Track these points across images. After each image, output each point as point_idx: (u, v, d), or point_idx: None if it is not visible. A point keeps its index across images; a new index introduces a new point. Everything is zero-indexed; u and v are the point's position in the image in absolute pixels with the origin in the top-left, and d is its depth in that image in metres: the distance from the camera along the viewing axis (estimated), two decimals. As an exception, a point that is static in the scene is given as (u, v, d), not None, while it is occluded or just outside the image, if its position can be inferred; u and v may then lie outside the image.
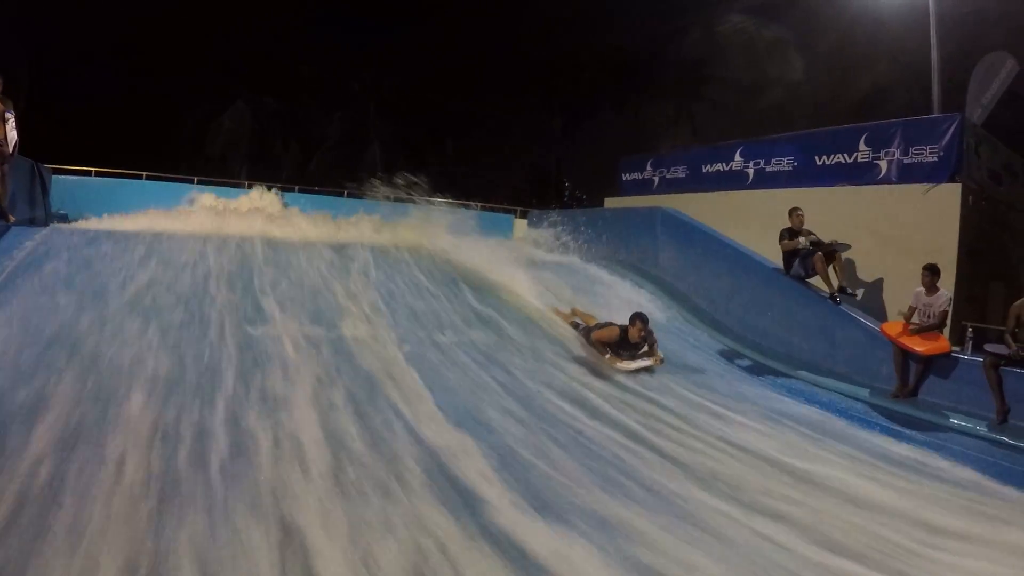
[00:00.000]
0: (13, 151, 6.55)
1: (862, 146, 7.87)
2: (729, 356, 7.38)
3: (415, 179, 9.56)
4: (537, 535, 2.82)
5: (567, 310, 7.13)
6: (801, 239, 7.23)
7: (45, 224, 7.45)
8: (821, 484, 3.92)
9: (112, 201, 9.88)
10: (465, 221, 9.61)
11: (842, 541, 3.17)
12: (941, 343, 5.87)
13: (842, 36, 14.92)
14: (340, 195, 13.34)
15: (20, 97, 7.26)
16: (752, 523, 3.30)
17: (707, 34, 18.78)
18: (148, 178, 12.50)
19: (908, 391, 5.97)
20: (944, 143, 7.05)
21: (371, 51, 20.02)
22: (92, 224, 7.70)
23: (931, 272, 5.95)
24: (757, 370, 6.94)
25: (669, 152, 12.26)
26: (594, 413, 4.78)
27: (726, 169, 9.94)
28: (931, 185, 7.00)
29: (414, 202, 9.57)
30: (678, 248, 9.41)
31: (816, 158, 8.46)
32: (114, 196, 10.74)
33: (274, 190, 12.78)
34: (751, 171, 9.50)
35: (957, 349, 5.94)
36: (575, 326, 6.61)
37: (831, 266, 7.00)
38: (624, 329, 5.93)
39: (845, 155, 8.07)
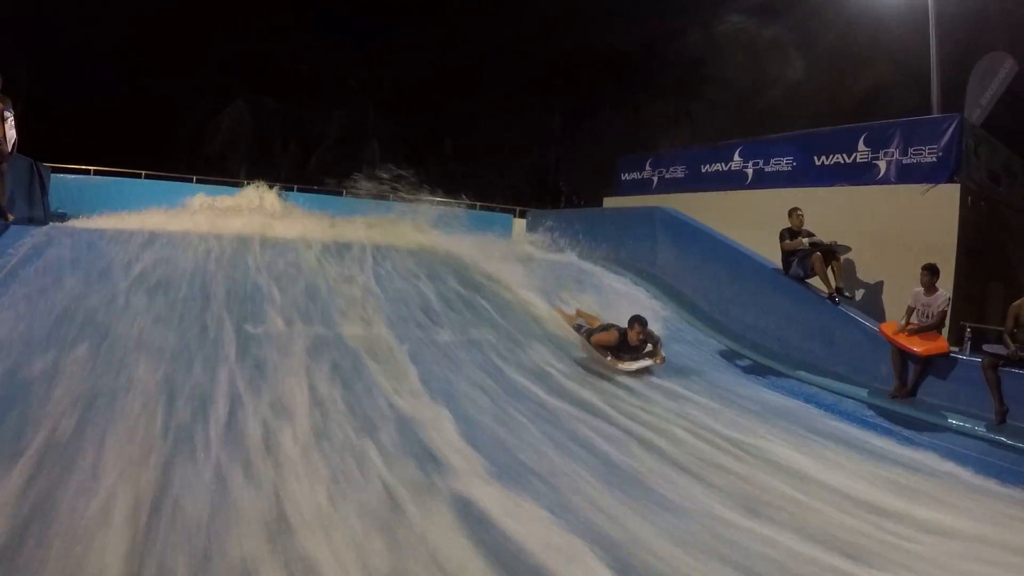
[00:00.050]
0: (12, 149, 6.55)
1: (861, 146, 7.87)
2: (728, 356, 7.39)
3: (402, 173, 9.64)
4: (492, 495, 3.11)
5: (571, 311, 7.14)
6: (804, 240, 7.23)
7: (44, 223, 7.44)
8: (818, 482, 3.92)
9: (111, 200, 9.87)
10: (459, 219, 9.68)
11: (838, 539, 3.17)
12: (940, 343, 5.87)
13: (841, 36, 14.94)
14: (339, 194, 13.33)
15: (19, 95, 7.26)
16: (745, 519, 3.31)
17: (706, 34, 18.82)
18: (147, 177, 12.49)
19: (906, 391, 5.97)
20: (943, 143, 7.05)
21: (371, 51, 20.01)
22: (91, 223, 7.70)
23: (930, 272, 5.95)
24: (755, 370, 6.95)
25: (668, 152, 12.26)
26: (594, 409, 4.86)
27: (725, 169, 9.94)
28: (930, 185, 7.00)
29: (409, 201, 9.64)
30: (677, 248, 9.41)
31: (815, 158, 8.46)
32: (113, 195, 10.71)
33: (270, 187, 12.73)
34: (750, 171, 9.50)
35: (956, 349, 5.94)
36: (578, 328, 6.62)
37: (830, 267, 7.01)
38: (623, 332, 5.93)
39: (844, 155, 8.07)
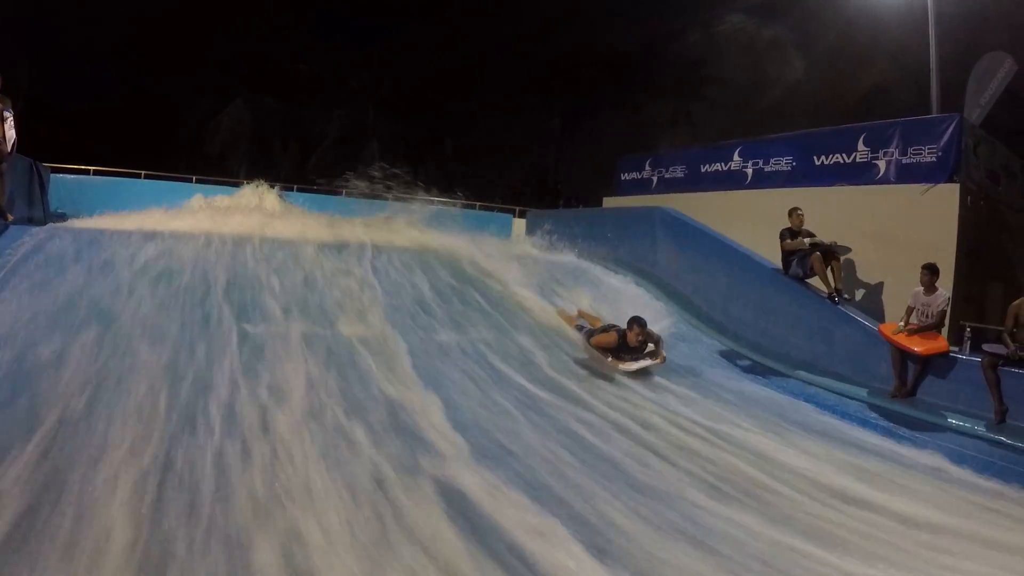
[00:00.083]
0: (11, 149, 6.55)
1: (860, 146, 7.86)
2: (727, 355, 7.39)
3: (401, 172, 9.68)
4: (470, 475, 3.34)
5: (574, 312, 7.15)
6: (806, 240, 7.23)
7: (43, 223, 7.44)
8: (817, 482, 3.93)
9: (110, 200, 9.87)
10: (459, 219, 9.75)
11: (837, 538, 3.18)
12: (939, 343, 5.87)
13: (841, 36, 14.93)
14: (338, 194, 13.33)
15: (19, 95, 7.25)
16: (743, 517, 3.34)
17: (706, 34, 18.82)
18: (147, 177, 12.49)
19: (906, 391, 5.97)
20: (943, 143, 7.04)
21: (370, 51, 20.00)
22: (91, 223, 7.69)
23: (930, 272, 5.95)
24: (755, 369, 6.95)
25: (668, 152, 12.26)
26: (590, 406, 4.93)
27: (725, 169, 9.94)
28: (929, 185, 6.99)
29: (408, 201, 9.67)
30: (677, 248, 9.41)
31: (815, 158, 8.46)
32: (112, 195, 10.71)
33: (271, 187, 12.75)
34: (750, 171, 9.50)
35: (955, 349, 5.94)
36: (579, 328, 6.63)
37: (829, 267, 7.01)
38: (622, 334, 5.94)
39: (843, 155, 8.06)
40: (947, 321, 6.12)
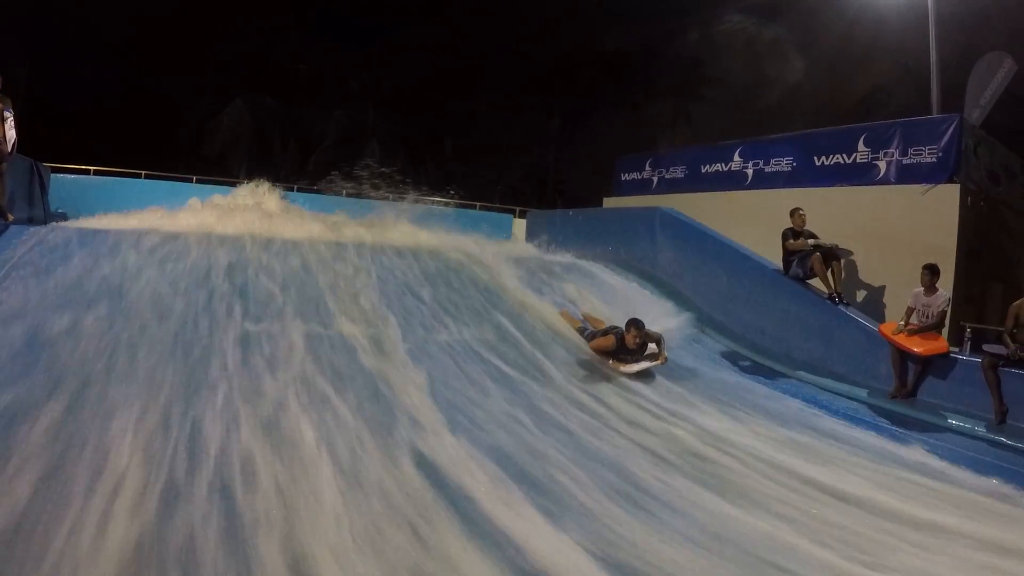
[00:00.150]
0: (12, 149, 6.55)
1: (861, 147, 7.87)
2: (727, 356, 7.39)
3: (402, 172, 9.71)
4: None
5: (578, 315, 7.15)
6: (809, 240, 7.23)
7: (44, 223, 7.44)
8: (816, 483, 3.93)
9: (110, 200, 9.86)
10: (459, 219, 9.83)
11: (837, 539, 3.18)
12: (939, 343, 5.87)
13: (841, 36, 14.94)
14: (339, 194, 13.32)
15: (19, 95, 7.25)
16: (746, 516, 3.35)
17: (706, 34, 18.83)
18: (147, 177, 12.48)
19: (906, 391, 5.97)
20: (943, 144, 7.05)
21: (370, 51, 20.01)
22: (91, 223, 7.70)
23: (931, 272, 5.95)
24: (755, 370, 6.95)
25: (668, 152, 12.26)
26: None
27: (725, 169, 9.94)
28: (930, 186, 7.00)
29: (407, 201, 9.70)
30: (677, 248, 9.41)
31: (815, 158, 8.46)
32: (112, 195, 10.71)
33: (269, 186, 12.73)
34: (750, 171, 9.50)
35: (955, 349, 5.94)
36: (582, 331, 6.63)
37: (830, 268, 7.01)
38: (620, 337, 5.93)
39: (844, 155, 8.07)
40: (947, 321, 6.13)
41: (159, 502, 2.75)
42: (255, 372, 4.25)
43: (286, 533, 2.68)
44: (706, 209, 9.55)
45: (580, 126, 21.19)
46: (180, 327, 4.65)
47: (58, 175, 10.61)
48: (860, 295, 7.41)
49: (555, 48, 20.14)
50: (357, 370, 4.63)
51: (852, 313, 6.83)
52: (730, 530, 3.18)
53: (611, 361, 5.94)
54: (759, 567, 2.86)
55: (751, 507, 3.49)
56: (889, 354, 6.09)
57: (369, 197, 11.98)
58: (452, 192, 13.40)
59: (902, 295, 6.38)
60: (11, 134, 6.45)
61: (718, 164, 10.07)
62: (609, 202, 12.60)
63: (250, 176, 12.86)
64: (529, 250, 10.83)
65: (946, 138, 7.03)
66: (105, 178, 11.80)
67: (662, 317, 7.72)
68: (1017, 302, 5.40)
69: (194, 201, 10.78)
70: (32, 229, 6.29)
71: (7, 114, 6.37)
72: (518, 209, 14.62)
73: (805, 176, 8.56)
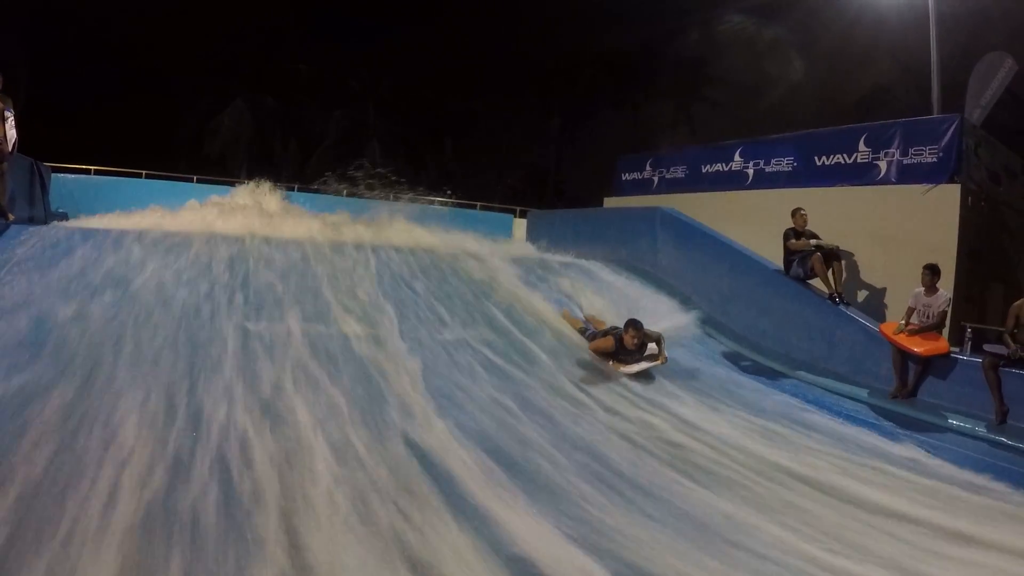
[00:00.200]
0: (12, 149, 6.55)
1: (862, 146, 7.86)
2: (728, 356, 7.38)
3: (401, 172, 9.75)
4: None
5: (579, 316, 7.14)
6: (812, 241, 7.22)
7: (44, 222, 7.45)
8: (816, 483, 3.93)
9: (111, 200, 9.87)
10: (460, 219, 9.85)
11: (837, 539, 3.18)
12: (940, 343, 5.87)
13: (842, 36, 14.93)
14: (339, 194, 13.32)
15: (20, 95, 7.25)
16: (742, 515, 3.36)
17: (707, 34, 18.82)
18: (147, 177, 12.49)
19: (907, 391, 5.97)
20: (944, 144, 7.04)
21: (370, 51, 20.02)
22: (92, 222, 7.71)
23: (932, 272, 5.95)
24: (756, 370, 6.94)
25: (669, 152, 12.25)
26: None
27: (726, 169, 9.93)
28: (930, 186, 6.99)
29: (408, 201, 9.73)
30: (678, 248, 9.40)
31: (816, 158, 8.45)
32: (113, 195, 10.71)
33: (269, 186, 12.75)
34: (751, 171, 9.49)
35: (956, 350, 5.94)
36: (583, 331, 6.62)
37: (830, 268, 7.01)
38: (619, 338, 5.91)
39: (844, 155, 8.06)
40: (948, 322, 6.12)
41: (164, 475, 2.96)
42: (254, 356, 4.48)
43: (282, 506, 2.87)
44: (707, 209, 9.54)
45: (580, 126, 21.20)
46: (183, 314, 4.90)
47: (59, 175, 10.61)
48: (861, 295, 7.41)
49: (555, 48, 20.14)
50: (350, 357, 4.86)
51: (853, 313, 6.83)
52: (697, 510, 3.36)
53: (611, 362, 5.94)
54: (716, 543, 3.01)
55: (723, 491, 3.61)
56: (890, 354, 6.08)
57: (369, 197, 11.98)
58: (452, 192, 13.41)
59: (903, 295, 6.37)
60: (12, 134, 6.45)
61: (719, 164, 10.06)
62: (610, 202, 12.59)
63: (251, 176, 12.88)
64: (528, 249, 10.84)
65: (947, 138, 7.03)
66: (105, 178, 11.80)
67: (662, 317, 7.72)
68: (1018, 302, 5.40)
69: (192, 203, 10.81)
70: (33, 228, 6.30)
71: (8, 114, 6.37)
72: (518, 209, 14.61)
73: (806, 176, 8.55)
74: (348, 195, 13.00)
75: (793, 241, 7.32)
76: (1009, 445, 4.91)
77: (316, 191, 13.30)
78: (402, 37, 19.96)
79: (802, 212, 7.34)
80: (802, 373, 6.71)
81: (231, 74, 18.70)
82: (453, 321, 6.21)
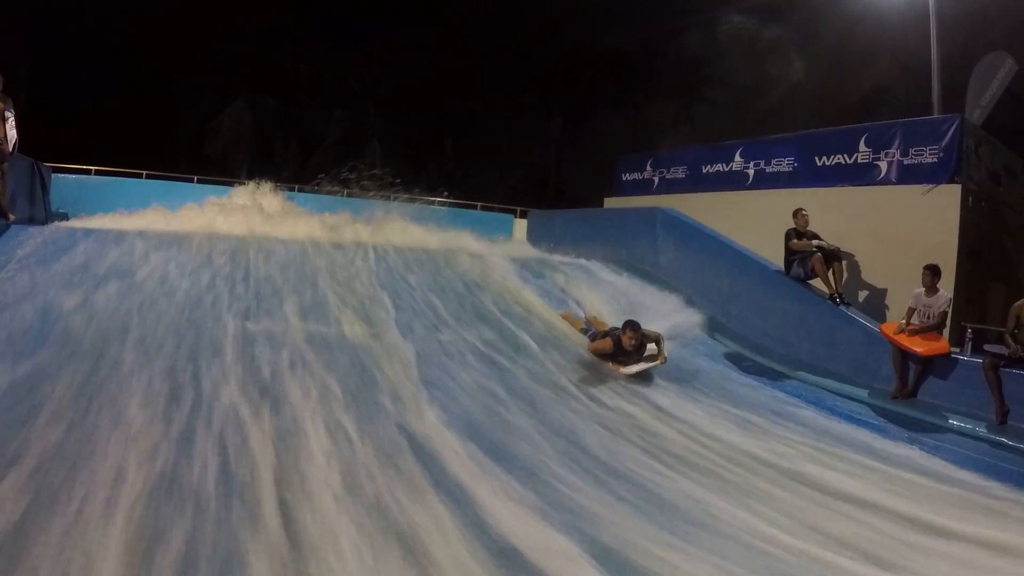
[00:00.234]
0: (13, 149, 6.56)
1: (862, 147, 7.86)
2: (728, 356, 7.38)
3: (402, 173, 9.81)
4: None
5: (581, 316, 7.14)
6: (813, 242, 7.22)
7: (45, 223, 7.45)
8: (817, 484, 3.93)
9: (112, 200, 9.87)
10: (460, 219, 9.88)
11: (837, 538, 3.19)
12: (941, 344, 5.87)
13: (842, 36, 14.93)
14: (340, 194, 13.32)
15: (20, 96, 7.25)
16: (735, 513, 3.38)
17: (707, 34, 18.78)
18: (148, 177, 12.49)
19: (907, 392, 5.97)
20: (944, 144, 7.04)
21: (371, 51, 19.99)
22: (93, 223, 7.72)
23: (932, 272, 5.95)
24: (756, 370, 6.94)
25: (669, 152, 12.25)
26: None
27: (726, 169, 9.93)
28: (931, 186, 7.00)
29: (408, 201, 9.76)
30: (678, 249, 9.41)
31: (816, 159, 8.45)
32: (114, 195, 10.71)
33: (269, 186, 12.75)
34: (751, 171, 9.49)
35: (956, 350, 5.94)
36: (585, 331, 6.62)
37: (831, 269, 7.01)
38: (617, 339, 5.89)
39: (845, 156, 8.06)
40: (948, 322, 6.12)
41: (168, 451, 3.20)
42: (253, 341, 4.76)
43: (277, 478, 3.12)
44: (707, 209, 9.54)
45: (581, 126, 21.18)
46: (186, 301, 5.18)
47: (59, 175, 10.61)
48: (861, 295, 7.41)
49: (555, 48, 20.11)
50: (345, 344, 5.13)
51: (853, 313, 6.83)
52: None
53: (611, 364, 5.93)
54: (674, 521, 3.23)
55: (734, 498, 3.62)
56: (890, 354, 6.08)
57: (370, 197, 11.98)
58: (452, 192, 13.40)
59: (903, 295, 6.37)
60: (12, 134, 6.46)
61: (719, 164, 10.06)
62: (610, 202, 12.60)
63: (251, 176, 12.88)
64: (528, 249, 10.85)
65: (947, 138, 7.03)
66: (106, 178, 11.80)
67: (663, 318, 7.71)
68: (1018, 302, 5.40)
69: (191, 205, 10.84)
70: (33, 228, 6.31)
71: (8, 114, 6.38)
72: (519, 209, 14.60)
73: (806, 176, 8.55)
74: (348, 195, 13.00)
75: (795, 241, 7.32)
76: (1009, 445, 4.91)
77: (317, 191, 13.29)
78: (402, 37, 19.94)
79: (804, 213, 7.35)
80: (802, 373, 6.72)
81: (231, 74, 18.69)
82: (447, 314, 6.35)
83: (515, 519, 3.01)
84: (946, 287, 6.14)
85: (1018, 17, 11.77)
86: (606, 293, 8.25)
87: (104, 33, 16.46)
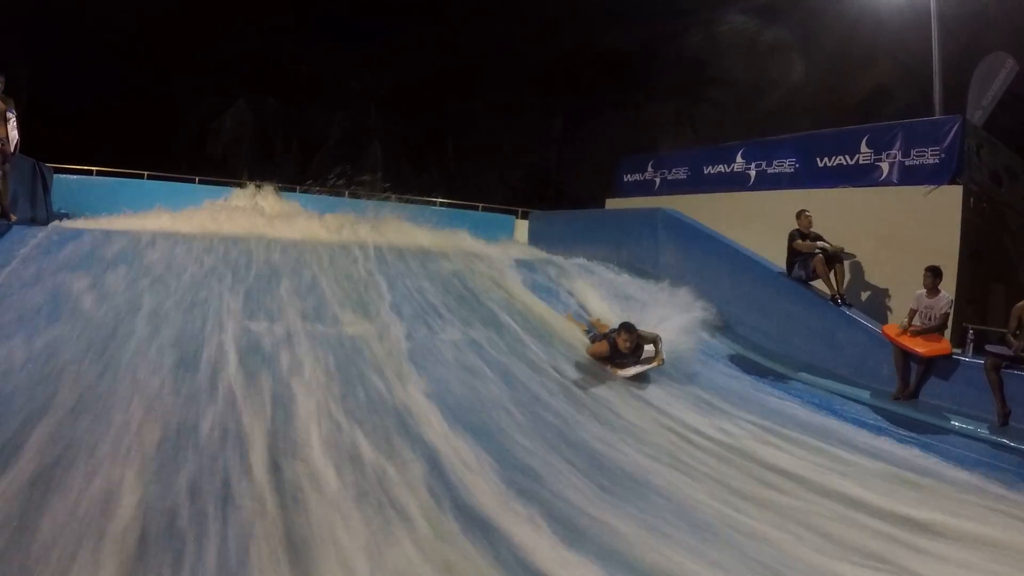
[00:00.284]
0: (14, 150, 6.56)
1: (863, 148, 7.87)
2: (730, 358, 7.38)
3: (403, 174, 9.79)
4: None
5: (585, 319, 7.14)
6: (817, 244, 7.22)
7: (46, 223, 7.44)
8: (817, 485, 3.94)
9: (113, 201, 9.87)
10: (461, 220, 9.88)
11: (837, 540, 3.19)
12: (942, 345, 5.88)
13: (843, 37, 14.93)
14: (341, 195, 13.33)
15: (22, 96, 7.25)
16: (735, 513, 3.42)
17: (708, 35, 18.78)
18: (150, 178, 12.49)
19: (909, 393, 5.97)
20: (945, 145, 7.05)
21: (371, 51, 19.98)
22: (93, 223, 7.72)
23: (933, 274, 5.96)
24: (758, 371, 6.95)
25: (670, 153, 12.26)
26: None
27: (727, 171, 9.93)
28: (932, 187, 7.00)
29: (409, 202, 9.77)
30: (679, 249, 9.41)
31: (817, 160, 8.46)
32: (115, 196, 10.70)
33: (269, 188, 12.76)
34: (752, 173, 9.49)
35: (958, 351, 5.94)
36: (587, 332, 6.62)
37: (833, 270, 7.01)
38: (613, 342, 5.86)
39: (846, 157, 8.06)
40: (950, 323, 6.12)
41: (180, 406, 3.65)
42: (254, 316, 5.13)
43: (268, 429, 3.55)
44: (708, 210, 9.54)
45: (582, 127, 21.17)
46: (192, 283, 5.46)
47: (61, 176, 10.61)
48: (863, 297, 7.41)
49: (556, 48, 20.11)
50: (337, 322, 5.44)
51: (854, 315, 6.83)
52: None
53: (608, 367, 5.91)
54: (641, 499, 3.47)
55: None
56: (892, 355, 6.09)
57: (371, 198, 11.98)
58: (453, 193, 13.41)
59: (905, 296, 6.38)
60: (14, 135, 6.46)
61: (720, 165, 10.06)
62: (611, 203, 12.60)
63: (252, 177, 12.89)
64: (530, 250, 10.85)
65: (948, 139, 7.03)
66: (107, 179, 11.81)
67: (663, 318, 7.71)
68: (1020, 303, 5.40)
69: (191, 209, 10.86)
70: (35, 229, 6.31)
71: (10, 115, 6.38)
72: (520, 210, 14.60)
73: (808, 177, 8.55)
74: (349, 196, 13.00)
75: (799, 242, 7.32)
76: (1010, 446, 4.91)
77: (318, 192, 13.29)
78: (402, 37, 19.93)
79: (807, 214, 7.36)
80: (804, 375, 6.72)
81: (232, 75, 18.70)
82: (444, 309, 6.46)
83: (480, 480, 3.38)
84: (947, 288, 6.15)
85: (1019, 18, 11.78)
86: (607, 294, 8.24)
87: (104, 33, 16.45)
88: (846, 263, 7.25)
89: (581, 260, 9.83)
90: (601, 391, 5.45)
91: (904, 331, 6.01)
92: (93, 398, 3.59)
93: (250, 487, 3.02)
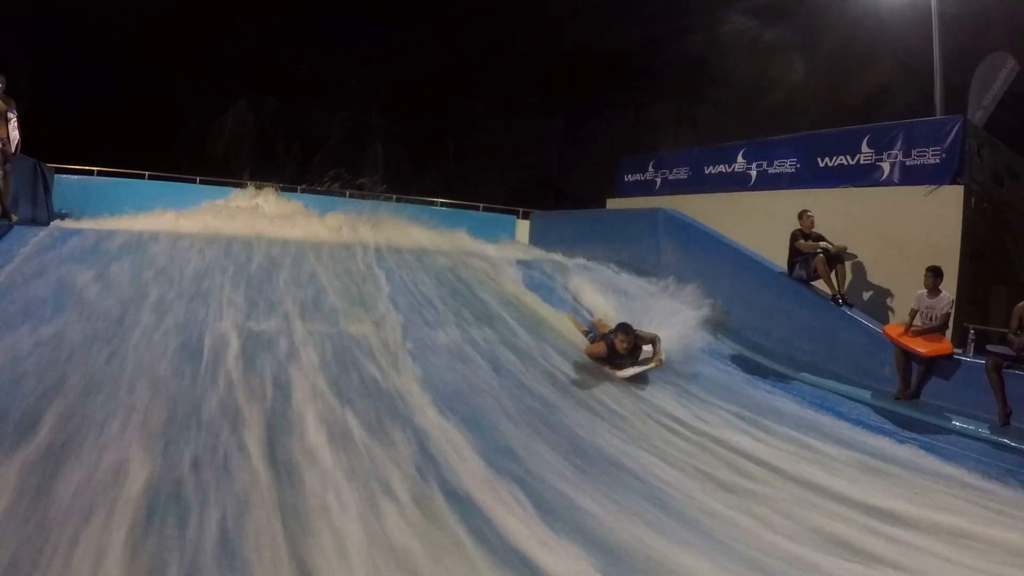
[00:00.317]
0: (15, 150, 6.57)
1: (864, 148, 7.86)
2: (730, 358, 7.37)
3: (404, 174, 9.82)
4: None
5: (586, 320, 7.14)
6: (821, 243, 7.22)
7: (47, 223, 7.45)
8: (817, 485, 3.93)
9: (114, 201, 9.88)
10: (462, 220, 9.92)
11: (837, 540, 3.19)
12: (943, 345, 5.87)
13: (844, 37, 14.93)
14: (342, 195, 13.33)
15: (22, 97, 7.26)
16: (732, 513, 3.43)
17: (709, 34, 18.80)
18: (150, 178, 12.49)
19: (910, 393, 5.97)
20: (946, 145, 7.04)
21: (371, 51, 20.01)
22: (94, 224, 7.73)
23: (934, 274, 5.95)
24: (758, 371, 6.93)
25: (671, 153, 12.25)
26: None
27: (728, 171, 9.92)
28: (933, 187, 6.99)
29: (410, 202, 9.77)
30: (680, 250, 9.40)
31: (818, 160, 8.44)
32: (116, 196, 10.71)
33: (269, 188, 12.76)
34: (753, 173, 9.49)
35: (959, 351, 5.93)
36: (586, 333, 6.61)
37: (834, 270, 7.01)
38: (610, 342, 5.83)
39: (847, 157, 8.05)
40: (951, 323, 6.12)
41: (185, 387, 3.93)
42: (255, 304, 5.41)
43: (265, 406, 3.83)
44: (709, 210, 9.53)
45: (582, 127, 21.18)
46: (195, 273, 5.76)
47: (62, 176, 10.61)
48: (864, 297, 7.41)
49: (556, 48, 20.14)
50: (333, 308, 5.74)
51: (855, 315, 6.82)
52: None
53: (607, 368, 5.88)
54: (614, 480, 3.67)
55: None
56: (893, 355, 6.08)
57: (371, 198, 11.99)
58: (453, 193, 13.41)
59: (906, 297, 6.38)
60: (15, 135, 6.47)
61: (721, 165, 10.05)
62: (612, 203, 12.59)
63: (253, 177, 12.89)
64: (531, 250, 10.85)
65: (949, 139, 7.02)
66: (108, 179, 11.80)
67: (663, 318, 7.70)
68: (1021, 303, 5.39)
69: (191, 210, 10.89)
70: (36, 229, 6.32)
71: (11, 115, 6.39)
72: (521, 210, 14.60)
73: (808, 178, 8.54)
74: (350, 196, 13.00)
75: (801, 242, 7.31)
76: (1011, 446, 4.90)
77: (320, 192, 13.30)
78: (403, 37, 19.96)
79: (809, 214, 7.35)
80: (804, 374, 6.71)
81: (232, 75, 18.71)
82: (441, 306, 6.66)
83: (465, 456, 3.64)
84: (948, 288, 6.14)
85: (1020, 18, 11.77)
86: (607, 294, 8.24)
87: (105, 33, 16.47)
88: (847, 263, 7.24)
89: (582, 260, 9.82)
90: (587, 379, 5.63)
91: (905, 331, 6.00)
92: (101, 380, 3.83)
93: (247, 462, 3.25)
